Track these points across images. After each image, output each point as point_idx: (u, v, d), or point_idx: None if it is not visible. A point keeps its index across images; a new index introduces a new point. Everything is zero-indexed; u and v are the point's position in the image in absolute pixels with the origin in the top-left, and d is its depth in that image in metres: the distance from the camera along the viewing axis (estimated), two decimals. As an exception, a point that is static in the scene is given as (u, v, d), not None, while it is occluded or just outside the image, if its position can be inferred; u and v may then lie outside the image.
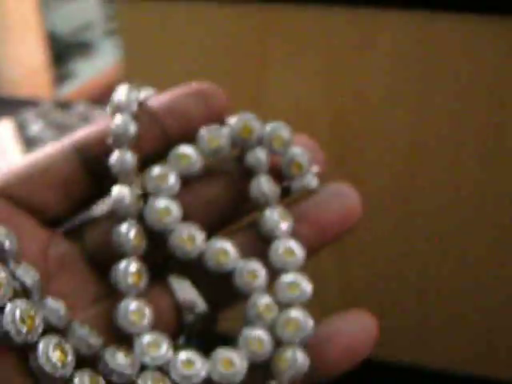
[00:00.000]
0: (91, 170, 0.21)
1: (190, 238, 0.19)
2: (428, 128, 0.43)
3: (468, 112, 0.42)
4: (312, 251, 0.20)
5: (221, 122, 0.21)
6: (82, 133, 0.22)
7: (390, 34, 0.41)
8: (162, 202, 0.20)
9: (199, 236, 0.19)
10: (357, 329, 0.20)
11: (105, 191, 0.21)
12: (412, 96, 0.42)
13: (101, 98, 0.81)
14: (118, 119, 0.20)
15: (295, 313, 0.19)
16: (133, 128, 0.20)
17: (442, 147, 0.43)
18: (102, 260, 0.20)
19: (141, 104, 0.21)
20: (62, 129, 0.75)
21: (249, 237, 0.21)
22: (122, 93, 0.21)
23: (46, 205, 0.21)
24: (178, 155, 0.20)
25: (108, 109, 0.21)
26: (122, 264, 0.19)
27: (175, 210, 0.20)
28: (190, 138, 0.21)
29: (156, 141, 0.21)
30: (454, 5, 0.39)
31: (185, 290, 0.20)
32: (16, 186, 0.21)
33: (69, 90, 0.84)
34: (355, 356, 0.20)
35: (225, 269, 0.19)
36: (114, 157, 0.20)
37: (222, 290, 0.20)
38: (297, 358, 0.19)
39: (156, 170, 0.20)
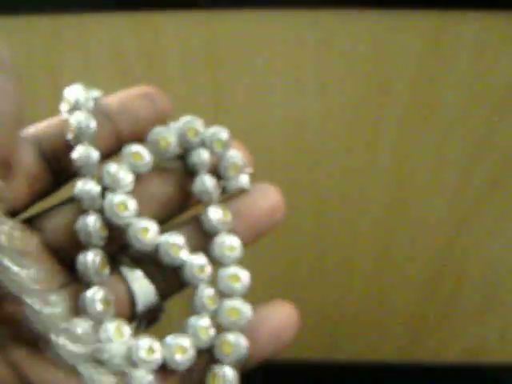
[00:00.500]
0: (50, 162, 0.22)
1: (146, 231, 0.21)
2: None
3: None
4: (246, 244, 0.22)
5: (165, 122, 0.23)
6: (40, 126, 0.22)
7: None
8: (119, 198, 0.21)
9: (155, 229, 0.21)
10: (281, 316, 0.22)
11: (61, 184, 0.22)
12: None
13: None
14: (79, 116, 0.21)
15: (236, 302, 0.21)
16: (93, 124, 0.21)
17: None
18: (61, 250, 0.21)
19: (95, 103, 0.22)
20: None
21: (192, 231, 0.22)
22: (77, 91, 0.22)
23: (4, 194, 0.21)
24: (131, 153, 0.21)
25: (63, 106, 0.22)
26: (90, 254, 0.20)
27: (132, 204, 0.21)
28: (139, 137, 0.22)
29: (109, 139, 0.22)
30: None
31: (138, 281, 0.21)
32: None
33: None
34: (280, 342, 0.22)
35: (177, 262, 0.21)
36: (78, 152, 0.21)
37: (171, 280, 0.22)
38: (240, 343, 0.21)
39: (113, 167, 0.21)
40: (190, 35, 0.46)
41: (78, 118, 0.21)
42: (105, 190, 0.21)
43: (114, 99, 0.23)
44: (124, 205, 0.21)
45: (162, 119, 0.23)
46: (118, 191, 0.21)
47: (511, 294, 0.63)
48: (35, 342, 0.20)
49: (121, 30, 0.48)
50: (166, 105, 0.23)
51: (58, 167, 0.22)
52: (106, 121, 0.22)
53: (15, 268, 0.18)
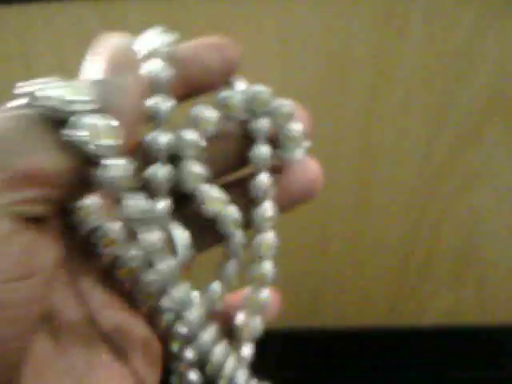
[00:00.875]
0: None
1: (216, 199, 0.22)
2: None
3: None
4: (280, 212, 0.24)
5: (233, 73, 0.23)
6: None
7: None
8: (193, 166, 0.22)
9: (222, 198, 0.22)
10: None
11: None
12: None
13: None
14: (156, 64, 0.21)
15: (266, 263, 0.23)
16: (170, 73, 0.21)
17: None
18: None
19: (169, 50, 0.22)
20: None
21: (237, 192, 0.23)
22: (153, 38, 0.22)
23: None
24: (201, 117, 0.22)
25: (139, 52, 0.22)
26: (161, 203, 0.21)
27: (204, 172, 0.22)
28: (207, 87, 0.23)
29: (180, 87, 0.23)
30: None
31: (177, 229, 0.22)
32: None
33: None
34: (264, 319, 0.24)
35: (216, 214, 0.22)
36: (152, 101, 0.21)
37: (207, 234, 0.23)
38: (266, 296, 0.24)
39: (188, 134, 0.22)
40: (153, 20, 0.48)
41: (155, 67, 0.21)
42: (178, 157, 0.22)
43: (186, 47, 0.23)
44: (197, 173, 0.22)
45: (231, 69, 0.23)
46: (190, 159, 0.22)
47: (484, 255, 0.65)
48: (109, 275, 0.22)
49: (88, 16, 0.49)
50: (235, 55, 0.23)
51: None
52: (179, 68, 0.22)
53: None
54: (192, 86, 0.23)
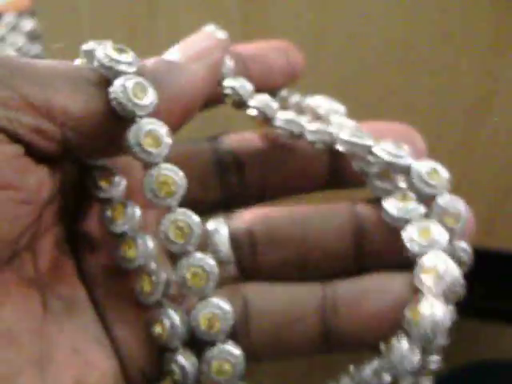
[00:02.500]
0: None
1: None
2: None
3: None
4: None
5: (296, 78, 0.24)
6: None
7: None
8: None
9: None
10: None
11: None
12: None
13: (28, 10, 0.83)
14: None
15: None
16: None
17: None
18: None
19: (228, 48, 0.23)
20: (-11, 39, 0.77)
21: None
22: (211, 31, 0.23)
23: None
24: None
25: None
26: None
27: None
28: (269, 87, 0.24)
29: None
30: None
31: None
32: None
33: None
34: None
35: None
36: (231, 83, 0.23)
37: None
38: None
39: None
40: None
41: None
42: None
43: (250, 47, 0.24)
44: None
45: (294, 74, 0.24)
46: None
47: None
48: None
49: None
50: (299, 61, 0.24)
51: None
52: (240, 64, 0.23)
53: None
54: (254, 85, 0.23)
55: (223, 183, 0.24)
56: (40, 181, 0.18)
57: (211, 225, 0.23)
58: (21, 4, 0.83)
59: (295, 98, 0.25)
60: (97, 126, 0.18)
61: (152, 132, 0.18)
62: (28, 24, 0.79)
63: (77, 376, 0.19)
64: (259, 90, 0.23)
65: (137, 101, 0.18)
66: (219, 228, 0.23)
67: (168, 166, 0.18)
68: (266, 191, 0.24)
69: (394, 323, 0.20)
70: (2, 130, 0.17)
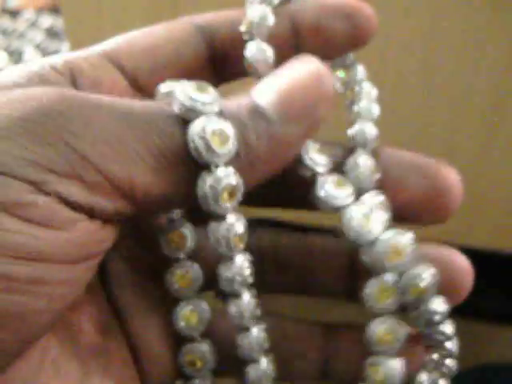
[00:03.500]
0: (215, 56, 0.20)
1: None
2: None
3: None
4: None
5: (364, 41, 0.20)
6: (208, 16, 0.20)
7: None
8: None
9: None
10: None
11: (220, 83, 0.20)
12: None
13: (48, 8, 0.84)
14: (257, 9, 0.19)
15: None
16: (271, 20, 0.19)
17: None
18: None
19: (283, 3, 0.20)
20: (9, 35, 0.78)
21: None
22: None
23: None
24: None
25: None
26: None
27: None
28: (329, 53, 0.20)
29: (284, 39, 0.20)
30: None
31: None
32: (127, 56, 0.19)
33: (16, 0, 0.86)
34: None
35: None
36: (251, 48, 0.19)
37: None
38: None
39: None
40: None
41: (256, 11, 0.19)
42: None
43: (309, 7, 0.20)
44: None
45: (363, 40, 0.19)
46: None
47: None
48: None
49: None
50: (370, 23, 0.19)
51: (222, 63, 0.20)
52: (286, 19, 0.20)
53: None
54: (302, 41, 0.20)
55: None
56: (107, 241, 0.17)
57: None
58: (40, 1, 0.84)
59: (358, 74, 0.21)
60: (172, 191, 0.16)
61: (228, 186, 0.16)
62: (47, 20, 0.80)
63: None
64: (306, 46, 0.20)
65: (215, 147, 0.16)
66: None
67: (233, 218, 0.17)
68: (282, 288, 0.22)
69: None
70: (82, 210, 0.15)
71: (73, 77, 0.18)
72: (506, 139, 0.42)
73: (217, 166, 0.16)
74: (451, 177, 0.19)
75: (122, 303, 0.21)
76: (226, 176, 0.16)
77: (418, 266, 0.18)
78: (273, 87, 0.17)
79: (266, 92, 0.17)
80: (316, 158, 0.18)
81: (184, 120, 0.16)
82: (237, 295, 0.18)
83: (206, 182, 0.16)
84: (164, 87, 0.17)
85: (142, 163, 0.15)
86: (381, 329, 0.19)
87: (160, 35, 0.19)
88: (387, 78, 0.39)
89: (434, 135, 0.42)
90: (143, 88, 0.19)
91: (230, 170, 0.16)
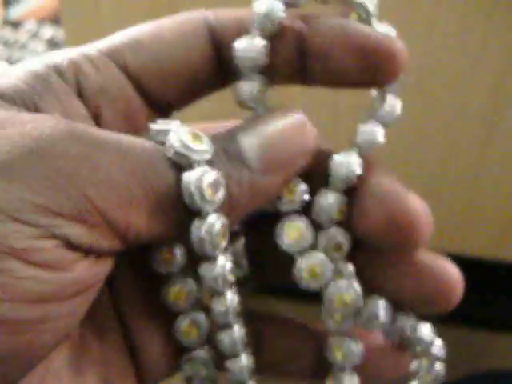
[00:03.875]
0: (220, 54, 0.19)
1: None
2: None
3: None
4: None
5: (381, 84, 0.19)
6: (218, 14, 0.19)
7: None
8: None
9: None
10: None
11: (225, 84, 0.20)
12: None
13: (49, 19, 0.84)
14: (265, 2, 0.18)
15: None
16: (279, 14, 0.18)
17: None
18: None
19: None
20: (10, 46, 0.79)
21: None
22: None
23: (162, 91, 0.19)
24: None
25: None
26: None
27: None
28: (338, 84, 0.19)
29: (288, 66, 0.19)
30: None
31: None
32: (133, 55, 0.19)
33: (18, 12, 0.86)
34: None
35: None
36: (242, 42, 0.18)
37: None
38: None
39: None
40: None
41: (264, 4, 0.18)
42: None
43: (323, 24, 0.18)
44: None
45: (379, 82, 0.18)
46: None
47: None
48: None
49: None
50: (392, 69, 0.18)
51: (227, 62, 0.19)
52: (292, 38, 0.18)
53: None
54: (305, 44, 0.18)
55: None
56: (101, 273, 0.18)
57: None
58: (41, 12, 0.84)
59: None
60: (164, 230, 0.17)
61: (220, 229, 0.17)
62: (48, 31, 0.81)
63: None
64: (309, 50, 0.18)
65: (208, 197, 0.17)
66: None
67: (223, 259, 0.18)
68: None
69: None
70: (81, 250, 0.16)
71: (78, 84, 0.18)
72: (505, 142, 0.42)
73: (207, 213, 0.17)
74: (415, 205, 0.18)
75: (124, 313, 0.21)
76: (217, 221, 0.17)
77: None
78: (257, 134, 0.18)
79: (251, 138, 0.18)
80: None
81: (175, 163, 0.17)
82: (220, 294, 0.19)
83: (201, 229, 0.17)
84: (156, 126, 0.18)
85: (140, 207, 0.16)
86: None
87: (168, 35, 0.19)
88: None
89: (432, 139, 0.42)
90: (147, 92, 0.19)
91: (219, 215, 0.17)
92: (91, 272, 0.17)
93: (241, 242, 0.22)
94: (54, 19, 0.82)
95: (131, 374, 0.21)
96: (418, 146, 0.43)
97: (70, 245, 0.16)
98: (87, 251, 0.16)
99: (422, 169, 0.45)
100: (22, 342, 0.15)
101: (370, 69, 0.18)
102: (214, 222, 0.17)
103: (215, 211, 0.17)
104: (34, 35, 0.80)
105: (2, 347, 0.15)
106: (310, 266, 0.20)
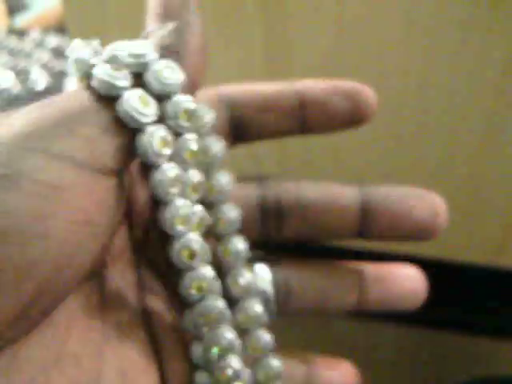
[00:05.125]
0: (234, 125, 0.23)
1: None
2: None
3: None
4: None
5: (364, 122, 0.22)
6: (234, 88, 0.23)
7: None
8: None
9: None
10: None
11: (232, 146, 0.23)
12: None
13: (54, 27, 0.85)
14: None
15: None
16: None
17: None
18: None
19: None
20: (16, 54, 0.80)
21: None
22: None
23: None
24: None
25: None
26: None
27: None
28: (331, 126, 0.23)
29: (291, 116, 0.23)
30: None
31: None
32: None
33: (23, 20, 0.87)
34: None
35: None
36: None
37: None
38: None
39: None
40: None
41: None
42: None
43: (313, 87, 0.23)
44: None
45: (361, 120, 0.23)
46: None
47: None
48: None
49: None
50: (369, 105, 0.22)
51: (238, 132, 0.23)
52: (293, 94, 0.23)
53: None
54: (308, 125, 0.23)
55: (262, 227, 0.24)
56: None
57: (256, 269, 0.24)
58: (46, 21, 0.85)
59: None
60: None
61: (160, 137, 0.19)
62: (53, 40, 0.81)
63: None
64: (318, 131, 0.23)
65: (142, 110, 0.18)
66: (263, 273, 0.23)
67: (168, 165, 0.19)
68: (300, 239, 0.24)
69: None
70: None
71: None
72: (508, 142, 0.42)
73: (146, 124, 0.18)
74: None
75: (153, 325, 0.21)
76: (157, 130, 0.18)
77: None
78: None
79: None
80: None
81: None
82: (166, 202, 0.19)
83: (143, 139, 0.18)
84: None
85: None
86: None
87: None
88: (387, 76, 0.39)
89: (433, 137, 0.42)
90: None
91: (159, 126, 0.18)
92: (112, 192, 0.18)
93: None
94: (60, 28, 0.83)
95: (153, 373, 0.21)
96: (419, 146, 0.43)
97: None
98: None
99: (421, 169, 0.44)
100: (63, 258, 0.16)
101: (357, 108, 0.23)
102: (154, 130, 0.18)
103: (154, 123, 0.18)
104: (40, 44, 0.81)
105: (47, 266, 0.16)
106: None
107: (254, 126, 0.23)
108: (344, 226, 0.23)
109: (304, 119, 0.23)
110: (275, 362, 0.22)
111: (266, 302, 0.23)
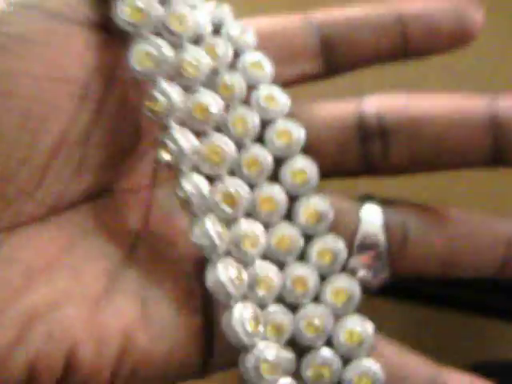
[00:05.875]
0: (327, 50, 0.21)
1: None
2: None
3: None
4: None
5: (468, 40, 0.20)
6: (329, 13, 0.21)
7: None
8: None
9: None
10: None
11: (330, 75, 0.22)
12: None
13: None
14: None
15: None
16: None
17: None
18: None
19: None
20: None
21: None
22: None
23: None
24: None
25: None
26: None
27: None
28: (432, 50, 0.21)
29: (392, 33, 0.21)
30: None
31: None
32: None
33: None
34: None
35: None
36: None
37: None
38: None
39: None
40: None
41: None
42: None
43: (415, 4, 0.21)
44: None
45: (466, 38, 0.20)
46: None
47: None
48: None
49: None
50: (475, 22, 0.20)
51: (333, 57, 0.21)
52: (393, 12, 0.21)
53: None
54: (410, 40, 0.21)
55: (364, 150, 0.21)
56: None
57: (365, 211, 0.20)
58: None
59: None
60: None
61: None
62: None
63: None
64: (421, 52, 0.21)
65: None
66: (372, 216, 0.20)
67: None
68: (412, 165, 0.21)
69: None
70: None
71: None
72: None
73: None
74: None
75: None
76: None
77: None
78: None
79: None
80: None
81: None
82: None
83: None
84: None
85: None
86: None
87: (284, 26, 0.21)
88: (386, 75, 0.38)
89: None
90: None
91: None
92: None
93: None
94: None
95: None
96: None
97: None
98: None
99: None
100: (33, 119, 0.15)
101: (461, 28, 0.21)
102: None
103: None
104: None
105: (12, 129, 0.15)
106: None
107: (349, 48, 0.21)
108: (473, 145, 0.20)
109: (406, 38, 0.20)
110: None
111: (375, 251, 0.19)
